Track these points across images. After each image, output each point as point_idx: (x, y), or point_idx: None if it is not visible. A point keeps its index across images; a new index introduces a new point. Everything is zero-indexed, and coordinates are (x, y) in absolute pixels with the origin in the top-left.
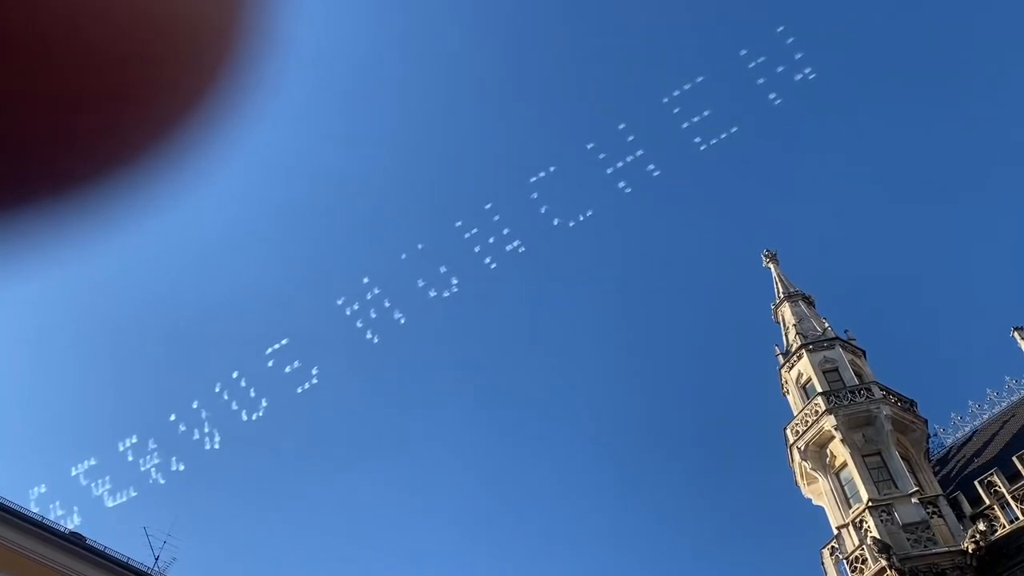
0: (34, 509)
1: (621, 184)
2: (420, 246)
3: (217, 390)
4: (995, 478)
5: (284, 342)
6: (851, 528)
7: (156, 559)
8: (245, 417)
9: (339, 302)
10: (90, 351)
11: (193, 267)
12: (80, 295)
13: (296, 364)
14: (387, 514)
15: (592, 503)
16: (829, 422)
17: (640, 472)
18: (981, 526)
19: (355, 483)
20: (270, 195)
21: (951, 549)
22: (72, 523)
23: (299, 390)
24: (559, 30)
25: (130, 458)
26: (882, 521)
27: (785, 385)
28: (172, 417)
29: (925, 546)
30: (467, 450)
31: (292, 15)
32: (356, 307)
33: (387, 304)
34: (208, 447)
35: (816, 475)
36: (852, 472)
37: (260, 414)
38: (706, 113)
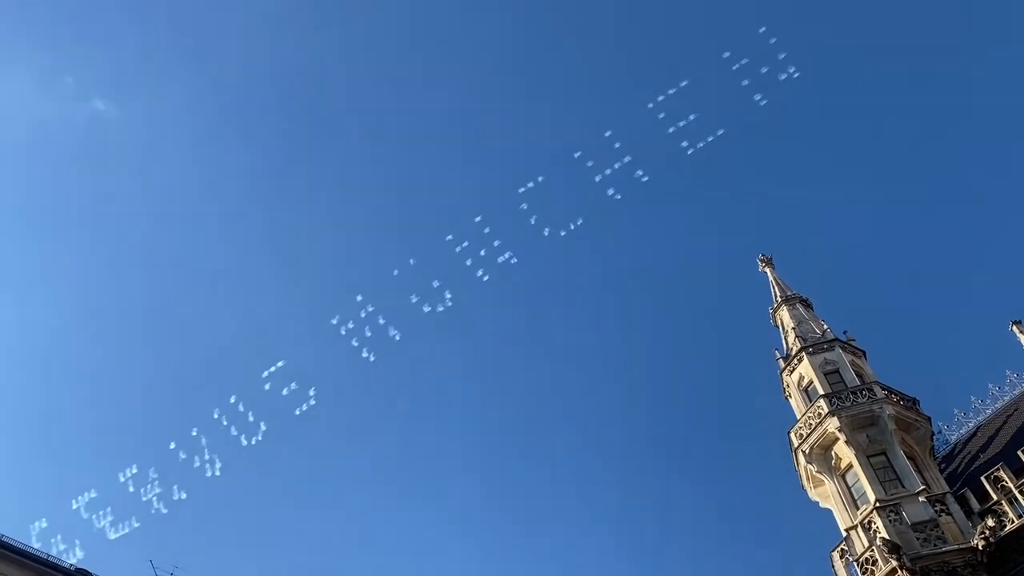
0: (36, 544)
1: (610, 191)
2: (412, 261)
3: (216, 416)
4: (1001, 473)
5: (280, 364)
6: (859, 529)
7: None
8: (245, 442)
9: (333, 321)
10: (87, 382)
11: (187, 292)
12: (76, 323)
13: (293, 386)
14: (390, 529)
15: (597, 513)
16: (832, 424)
17: (645, 481)
18: (990, 522)
19: (357, 501)
20: (260, 215)
21: (961, 547)
22: (75, 557)
23: (297, 412)
24: (541, 39)
25: (131, 489)
26: (890, 521)
27: (787, 389)
28: (172, 445)
29: (935, 545)
30: (468, 463)
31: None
32: (351, 326)
33: (382, 321)
34: (209, 474)
35: (822, 478)
36: (858, 473)
37: (259, 438)
38: (692, 117)
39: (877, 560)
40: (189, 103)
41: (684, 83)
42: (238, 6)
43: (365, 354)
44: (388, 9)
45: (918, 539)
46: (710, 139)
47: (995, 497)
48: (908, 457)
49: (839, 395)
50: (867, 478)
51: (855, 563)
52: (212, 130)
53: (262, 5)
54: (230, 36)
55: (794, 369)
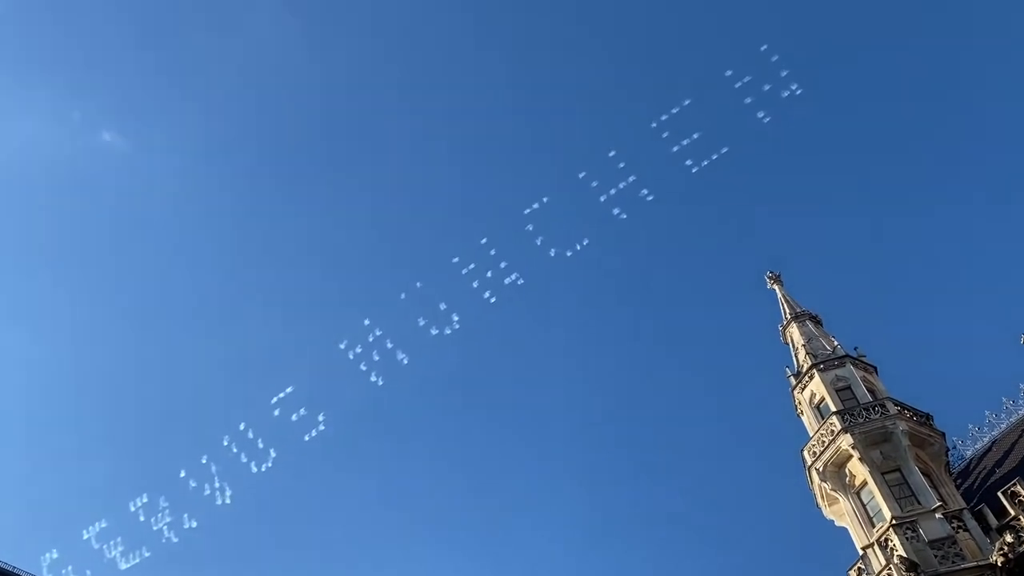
0: None
1: (616, 211)
2: (419, 284)
3: (225, 443)
4: (1019, 488)
5: (289, 390)
6: (876, 547)
7: None
8: (255, 469)
9: (342, 346)
10: (97, 411)
11: (195, 319)
12: (86, 352)
13: (302, 412)
14: (399, 552)
15: (604, 532)
16: (846, 441)
17: (654, 503)
18: (1008, 538)
19: (367, 525)
20: (267, 240)
21: (980, 563)
22: None
23: (306, 437)
24: (545, 61)
25: (142, 518)
26: (907, 538)
27: (799, 406)
28: (182, 473)
29: (953, 562)
30: (476, 486)
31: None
32: (359, 350)
33: (389, 345)
34: (219, 502)
35: (837, 495)
36: (873, 490)
37: (269, 464)
38: (695, 136)
39: None
40: (195, 132)
41: (687, 102)
42: (242, 36)
43: (374, 378)
44: (393, 34)
45: (936, 556)
46: (714, 157)
47: (1013, 512)
48: (923, 473)
49: (851, 412)
50: (882, 495)
51: None
52: (218, 158)
53: (266, 34)
54: (235, 66)
55: (805, 386)
